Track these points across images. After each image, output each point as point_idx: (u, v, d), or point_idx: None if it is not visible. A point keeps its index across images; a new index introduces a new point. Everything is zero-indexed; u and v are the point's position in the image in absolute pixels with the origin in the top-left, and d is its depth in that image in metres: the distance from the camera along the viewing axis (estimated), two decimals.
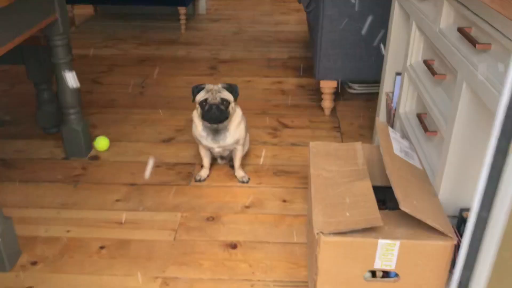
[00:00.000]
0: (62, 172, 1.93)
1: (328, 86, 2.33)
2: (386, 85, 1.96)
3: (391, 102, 1.88)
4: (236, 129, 1.76)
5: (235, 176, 1.89)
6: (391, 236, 1.11)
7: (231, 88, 1.70)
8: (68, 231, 1.61)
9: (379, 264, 1.13)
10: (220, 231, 1.62)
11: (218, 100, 1.66)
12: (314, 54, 2.30)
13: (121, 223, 1.65)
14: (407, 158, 1.35)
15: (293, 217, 1.68)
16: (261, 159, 2.02)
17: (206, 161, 1.88)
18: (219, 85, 1.70)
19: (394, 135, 1.43)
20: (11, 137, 2.19)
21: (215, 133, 1.74)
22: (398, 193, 1.13)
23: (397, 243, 1.10)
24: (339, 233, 1.11)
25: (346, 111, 2.47)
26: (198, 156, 2.03)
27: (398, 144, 1.39)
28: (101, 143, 2.06)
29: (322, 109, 2.46)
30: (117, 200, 1.77)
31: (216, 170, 1.96)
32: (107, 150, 2.09)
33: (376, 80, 2.40)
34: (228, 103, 1.68)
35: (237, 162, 1.86)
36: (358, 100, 2.58)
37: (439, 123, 1.27)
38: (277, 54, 3.29)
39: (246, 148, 1.95)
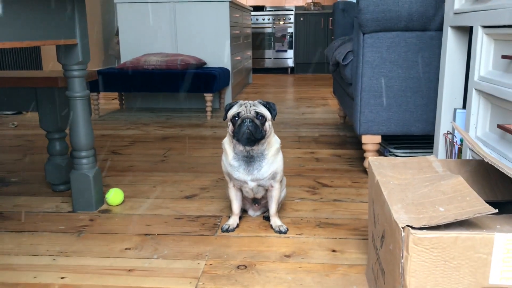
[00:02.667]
0: (66, 224, 1.63)
1: (371, 141, 2.07)
2: (443, 125, 1.71)
3: (453, 140, 1.61)
4: (273, 157, 1.47)
5: (270, 226, 1.56)
6: None
7: (268, 105, 1.45)
8: (62, 278, 1.26)
9: (497, 276, 0.78)
10: (255, 279, 1.25)
11: (252, 114, 1.41)
12: (355, 107, 2.09)
13: (129, 270, 1.31)
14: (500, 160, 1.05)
15: (348, 267, 1.32)
16: (301, 212, 1.70)
17: (236, 206, 1.56)
18: (255, 101, 1.46)
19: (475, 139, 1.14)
20: (14, 194, 1.93)
21: (249, 161, 1.45)
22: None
23: None
24: (435, 227, 0.78)
25: None
26: (225, 209, 1.73)
27: (485, 148, 1.10)
28: (114, 195, 1.78)
29: (365, 171, 2.18)
30: (127, 249, 1.44)
31: (247, 222, 1.63)
32: (121, 204, 1.80)
33: (426, 135, 2.14)
34: (265, 119, 1.42)
35: (273, 207, 1.54)
36: None
37: None
38: (307, 133, 3.09)
39: (283, 194, 1.64)
